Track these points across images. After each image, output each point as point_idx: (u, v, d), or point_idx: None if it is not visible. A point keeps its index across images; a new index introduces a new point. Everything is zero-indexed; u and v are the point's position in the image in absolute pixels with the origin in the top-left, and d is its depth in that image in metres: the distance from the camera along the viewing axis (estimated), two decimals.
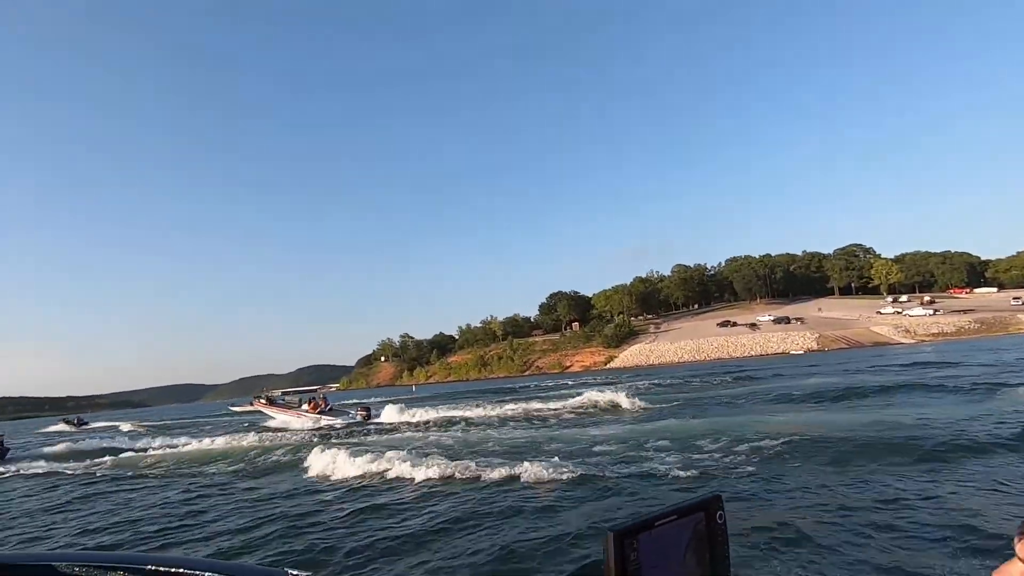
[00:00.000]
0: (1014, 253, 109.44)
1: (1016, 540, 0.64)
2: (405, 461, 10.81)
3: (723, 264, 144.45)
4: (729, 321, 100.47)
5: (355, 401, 40.30)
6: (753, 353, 78.42)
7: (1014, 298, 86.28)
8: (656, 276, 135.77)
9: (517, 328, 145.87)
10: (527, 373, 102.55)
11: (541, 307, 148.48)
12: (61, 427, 47.55)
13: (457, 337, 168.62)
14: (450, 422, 21.32)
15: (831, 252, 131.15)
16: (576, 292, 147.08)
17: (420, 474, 9.94)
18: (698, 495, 0.92)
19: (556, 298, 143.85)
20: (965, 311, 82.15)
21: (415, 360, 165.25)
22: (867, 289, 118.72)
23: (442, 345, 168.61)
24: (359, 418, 25.64)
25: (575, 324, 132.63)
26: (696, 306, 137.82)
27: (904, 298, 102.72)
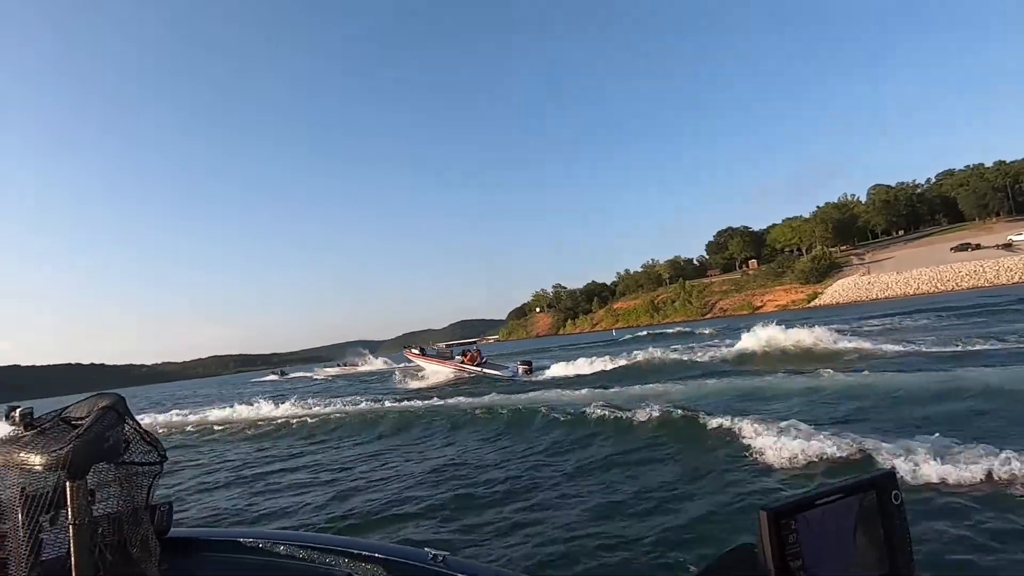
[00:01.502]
0: None
1: None
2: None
3: (933, 180, 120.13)
4: (969, 244, 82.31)
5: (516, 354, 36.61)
6: None
7: None
8: (853, 200, 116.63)
9: (680, 270, 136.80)
10: (708, 316, 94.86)
11: (708, 246, 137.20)
12: (271, 377, 56.63)
13: (612, 284, 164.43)
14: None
15: None
16: (746, 227, 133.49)
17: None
18: (869, 472, 0.81)
19: (726, 235, 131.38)
20: None
21: (570, 310, 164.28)
22: None
23: (595, 293, 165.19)
24: (521, 372, 21.88)
25: (752, 262, 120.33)
26: (901, 233, 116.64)
27: None
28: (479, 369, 23.77)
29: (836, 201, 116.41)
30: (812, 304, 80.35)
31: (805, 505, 0.69)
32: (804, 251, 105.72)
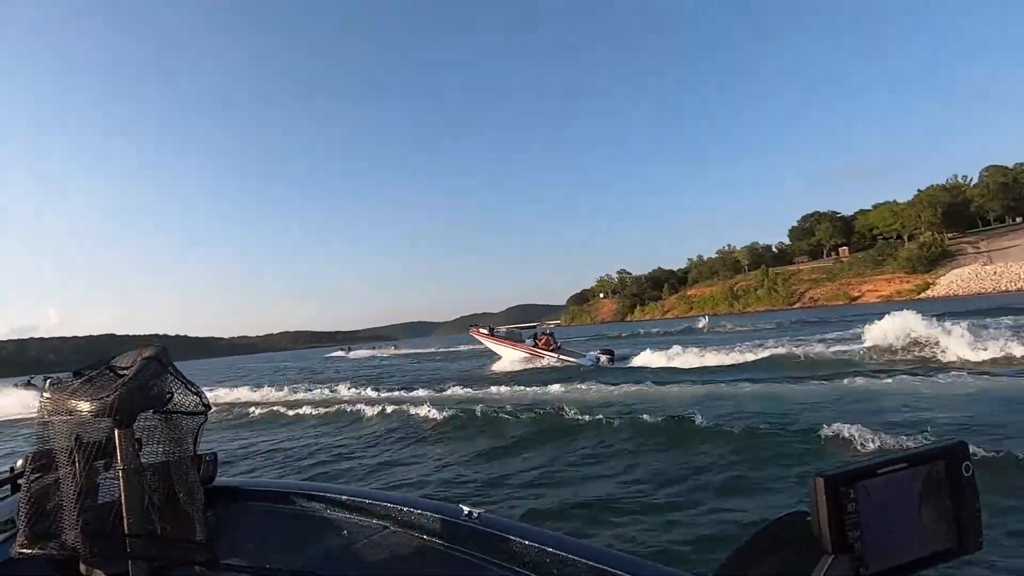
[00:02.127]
0: None
1: None
2: None
3: None
4: None
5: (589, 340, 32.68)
6: None
7: None
8: (966, 181, 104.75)
9: (759, 257, 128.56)
10: (797, 306, 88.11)
11: (793, 231, 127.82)
12: (338, 353, 61.29)
13: (681, 271, 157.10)
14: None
15: None
16: (834, 212, 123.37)
17: None
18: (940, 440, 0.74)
19: (813, 220, 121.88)
20: None
21: (636, 296, 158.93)
22: None
23: (663, 280, 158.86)
24: (603, 360, 19.13)
25: (843, 249, 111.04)
26: (1019, 220, 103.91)
27: None
28: (554, 355, 21.04)
29: (944, 183, 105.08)
30: (923, 296, 72.58)
31: (866, 473, 0.65)
32: (906, 238, 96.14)
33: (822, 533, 0.63)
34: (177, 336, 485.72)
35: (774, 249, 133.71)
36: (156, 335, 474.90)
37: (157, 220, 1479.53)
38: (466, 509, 1.34)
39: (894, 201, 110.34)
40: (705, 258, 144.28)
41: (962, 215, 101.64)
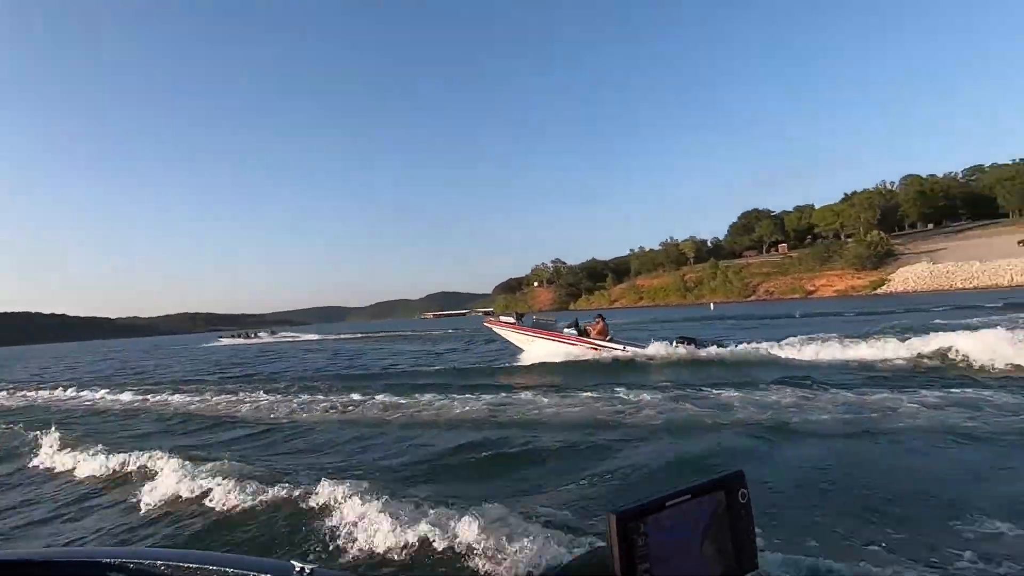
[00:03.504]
0: None
1: None
2: None
3: (961, 174, 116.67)
4: None
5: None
6: None
7: None
8: (888, 188, 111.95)
9: (701, 251, 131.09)
10: (752, 299, 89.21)
11: (733, 228, 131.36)
12: (227, 341, 54.62)
13: (612, 261, 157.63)
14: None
15: None
16: (769, 210, 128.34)
17: None
18: (719, 472, 0.79)
19: (753, 217, 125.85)
20: None
21: (572, 286, 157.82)
22: None
23: (596, 271, 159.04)
24: (683, 350, 14.43)
25: (782, 246, 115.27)
26: (930, 226, 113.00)
27: None
28: (618, 345, 15.57)
29: (873, 189, 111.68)
30: (878, 292, 75.16)
31: (654, 508, 0.68)
32: (843, 237, 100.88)
33: (614, 568, 0.65)
34: (53, 315, 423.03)
35: (709, 244, 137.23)
36: (27, 312, 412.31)
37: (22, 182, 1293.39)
38: (298, 565, 1.13)
39: (809, 205, 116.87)
40: (647, 249, 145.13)
41: (890, 219, 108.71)
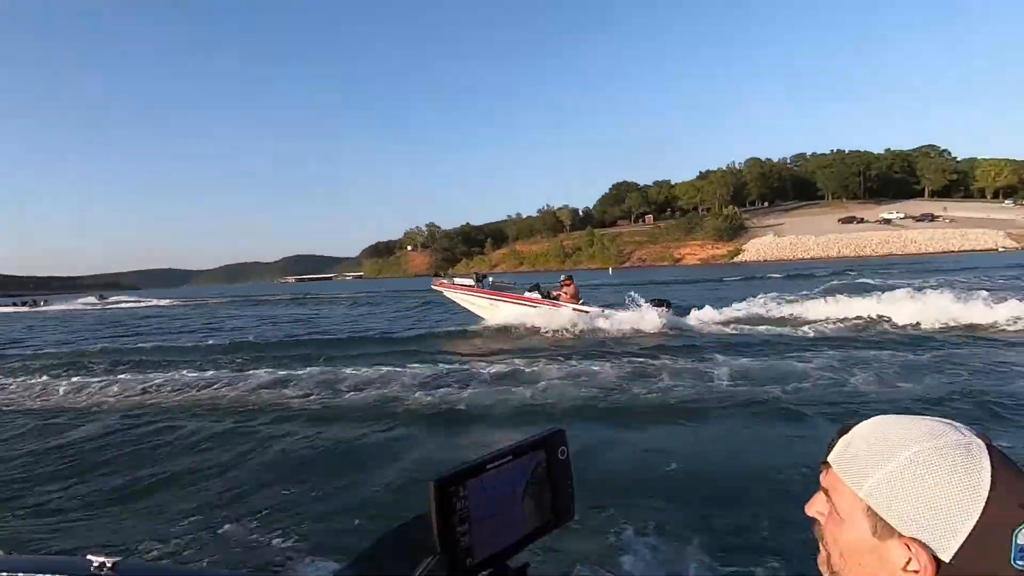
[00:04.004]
0: None
1: (822, 471, 0.62)
2: None
3: (789, 160, 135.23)
4: (854, 217, 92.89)
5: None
6: (930, 250, 71.52)
7: None
8: (737, 168, 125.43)
9: (576, 219, 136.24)
10: (627, 265, 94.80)
11: (604, 199, 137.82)
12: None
13: (487, 226, 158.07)
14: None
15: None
16: (634, 183, 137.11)
17: None
18: (541, 431, 0.80)
19: (623, 188, 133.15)
20: None
21: (447, 250, 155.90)
22: (966, 193, 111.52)
23: (471, 236, 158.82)
24: (661, 315, 12.65)
25: (648, 217, 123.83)
26: (766, 204, 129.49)
27: None
28: (597, 308, 13.78)
29: (726, 168, 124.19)
30: (736, 260, 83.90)
31: (474, 471, 0.69)
32: (700, 211, 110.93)
33: (434, 533, 0.66)
34: None
35: (581, 212, 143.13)
36: None
37: None
38: (96, 560, 1.03)
39: (669, 180, 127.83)
40: (524, 216, 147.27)
41: (739, 195, 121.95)
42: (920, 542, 0.51)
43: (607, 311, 13.40)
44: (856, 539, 0.57)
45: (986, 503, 0.50)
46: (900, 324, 11.02)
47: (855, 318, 11.88)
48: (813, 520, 0.63)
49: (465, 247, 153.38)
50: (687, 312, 13.50)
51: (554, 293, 14.33)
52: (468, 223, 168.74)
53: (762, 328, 11.70)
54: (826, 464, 0.62)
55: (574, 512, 0.80)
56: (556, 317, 13.33)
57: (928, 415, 0.61)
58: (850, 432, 0.62)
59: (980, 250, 65.98)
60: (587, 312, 13.48)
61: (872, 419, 0.62)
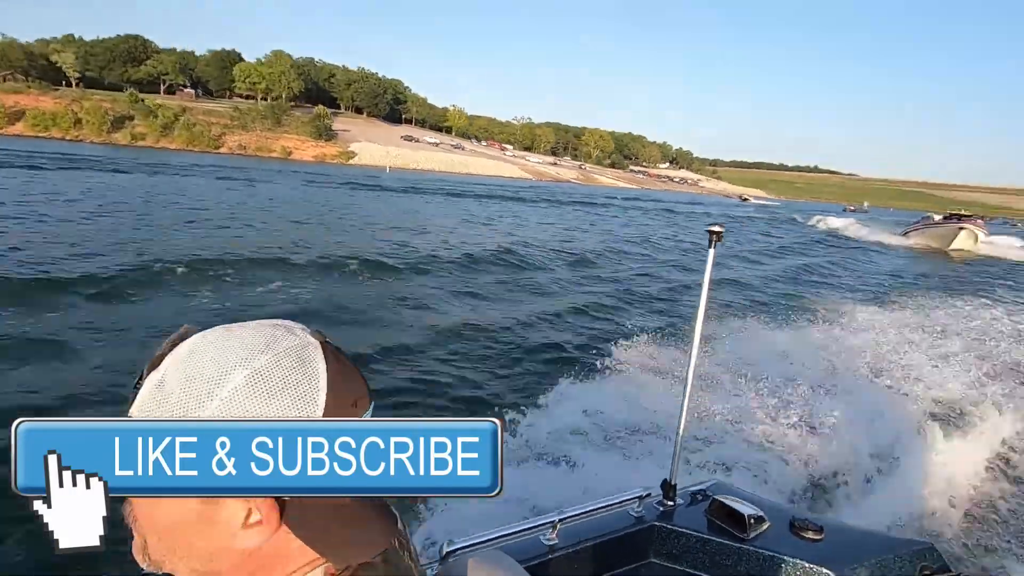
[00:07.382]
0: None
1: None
2: None
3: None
4: (412, 137, 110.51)
5: None
6: (484, 172, 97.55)
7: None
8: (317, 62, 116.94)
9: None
10: (223, 151, 79.99)
11: (110, 52, 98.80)
12: None
13: None
14: None
15: None
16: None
17: None
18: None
19: (141, 45, 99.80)
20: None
21: None
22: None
23: None
24: None
25: (187, 91, 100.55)
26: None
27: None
28: None
29: (299, 58, 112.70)
30: (351, 163, 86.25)
31: None
32: (258, 98, 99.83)
33: None
34: None
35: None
36: None
37: None
38: None
39: (237, 51, 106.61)
40: None
41: (314, 94, 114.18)
42: None
43: None
44: (176, 511, 0.43)
45: (324, 411, 0.42)
46: None
47: None
48: (123, 500, 0.43)
49: None
50: None
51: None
52: None
53: None
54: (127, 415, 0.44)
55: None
56: None
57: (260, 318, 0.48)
58: (161, 367, 0.45)
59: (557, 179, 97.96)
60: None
61: (187, 342, 0.46)
